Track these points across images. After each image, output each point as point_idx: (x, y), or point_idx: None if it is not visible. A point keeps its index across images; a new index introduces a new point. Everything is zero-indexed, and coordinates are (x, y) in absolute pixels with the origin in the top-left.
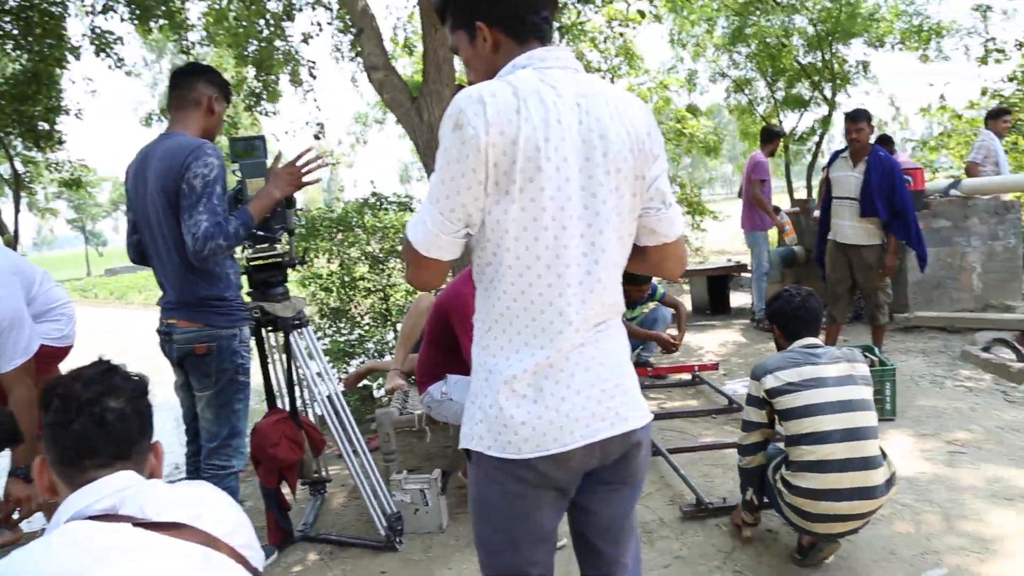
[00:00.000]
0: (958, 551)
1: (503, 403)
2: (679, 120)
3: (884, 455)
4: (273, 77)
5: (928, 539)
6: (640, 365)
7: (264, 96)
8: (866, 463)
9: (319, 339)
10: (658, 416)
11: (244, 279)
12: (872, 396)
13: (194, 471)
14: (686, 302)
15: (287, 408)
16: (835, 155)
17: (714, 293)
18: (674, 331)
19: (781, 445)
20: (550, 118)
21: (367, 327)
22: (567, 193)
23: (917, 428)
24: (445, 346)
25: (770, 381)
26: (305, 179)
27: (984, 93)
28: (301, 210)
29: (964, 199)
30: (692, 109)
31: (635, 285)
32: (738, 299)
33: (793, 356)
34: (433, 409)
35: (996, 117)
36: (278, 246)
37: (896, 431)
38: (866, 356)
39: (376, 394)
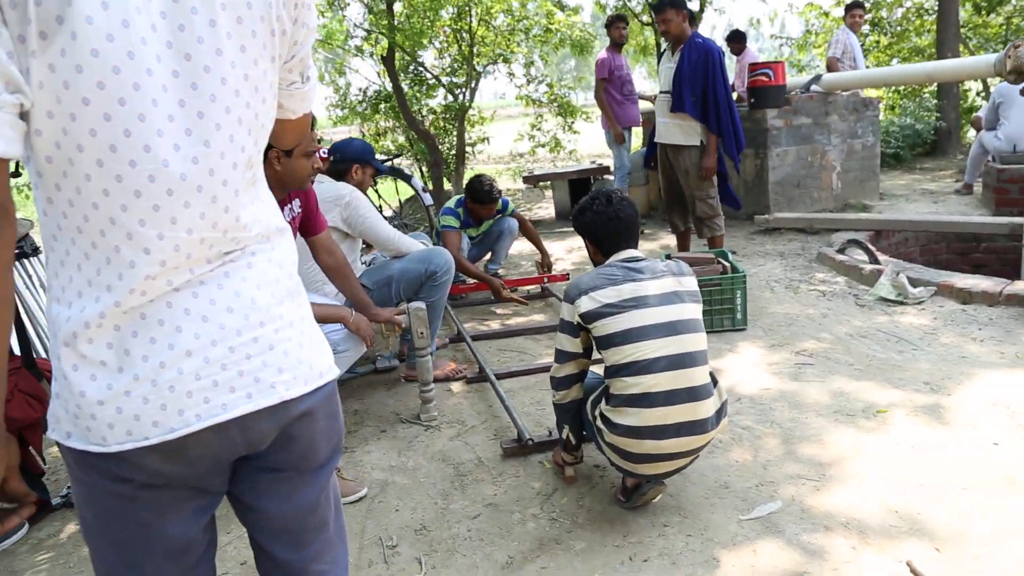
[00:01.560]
0: (795, 480)
1: (69, 372)
2: (548, 16)
3: (715, 381)
4: None
5: (765, 467)
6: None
7: None
8: (694, 393)
9: None
10: (498, 335)
11: None
12: (700, 314)
13: None
14: (548, 208)
15: (20, 354)
16: (664, 47)
17: (576, 198)
18: (525, 261)
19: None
20: None
21: None
22: (128, 47)
23: (767, 338)
24: None
25: (585, 303)
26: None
27: None
28: None
29: (824, 95)
30: (560, 4)
31: (482, 204)
32: None
33: (611, 272)
34: None
35: (849, 11)
36: None
37: (745, 342)
38: (718, 262)
39: None
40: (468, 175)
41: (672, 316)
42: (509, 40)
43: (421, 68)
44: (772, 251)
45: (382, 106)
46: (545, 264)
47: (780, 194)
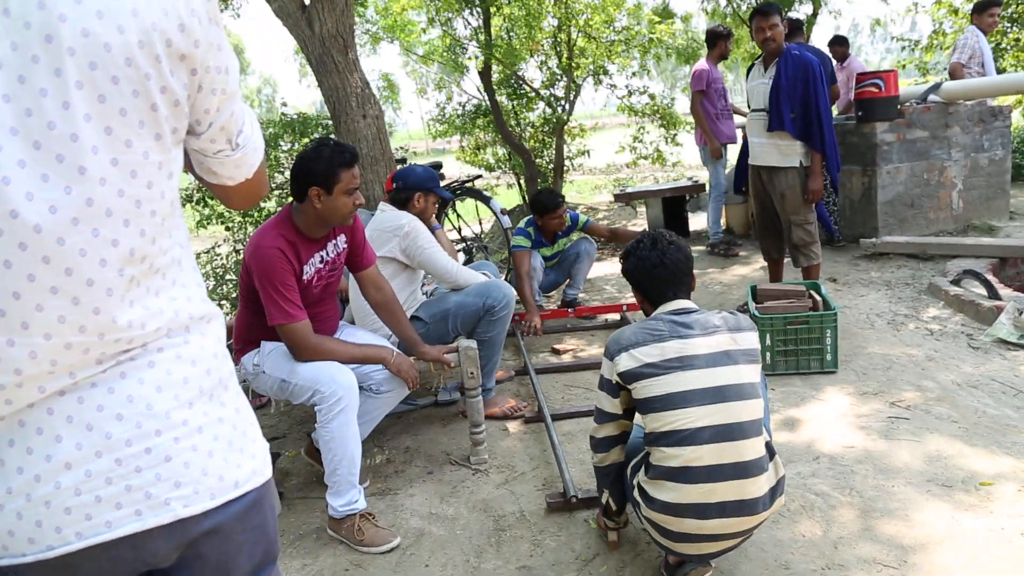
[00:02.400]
0: (869, 566)
1: None
2: (650, 25)
3: (772, 454)
4: None
5: (836, 546)
6: (566, 305)
7: None
8: (742, 469)
9: None
10: (567, 368)
11: None
12: (758, 376)
13: None
14: (641, 226)
15: None
16: (752, 62)
17: (670, 216)
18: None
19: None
20: None
21: None
22: None
23: (860, 384)
24: (257, 307)
25: (624, 361)
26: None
27: None
28: None
29: (945, 105)
30: (665, 12)
31: (548, 214)
32: (700, 222)
33: (656, 327)
34: (251, 382)
35: (981, 11)
36: None
37: (833, 388)
38: (808, 296)
39: None
40: (565, 188)
41: (721, 380)
42: (610, 51)
43: (520, 82)
44: (877, 280)
45: (480, 120)
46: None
47: (890, 215)
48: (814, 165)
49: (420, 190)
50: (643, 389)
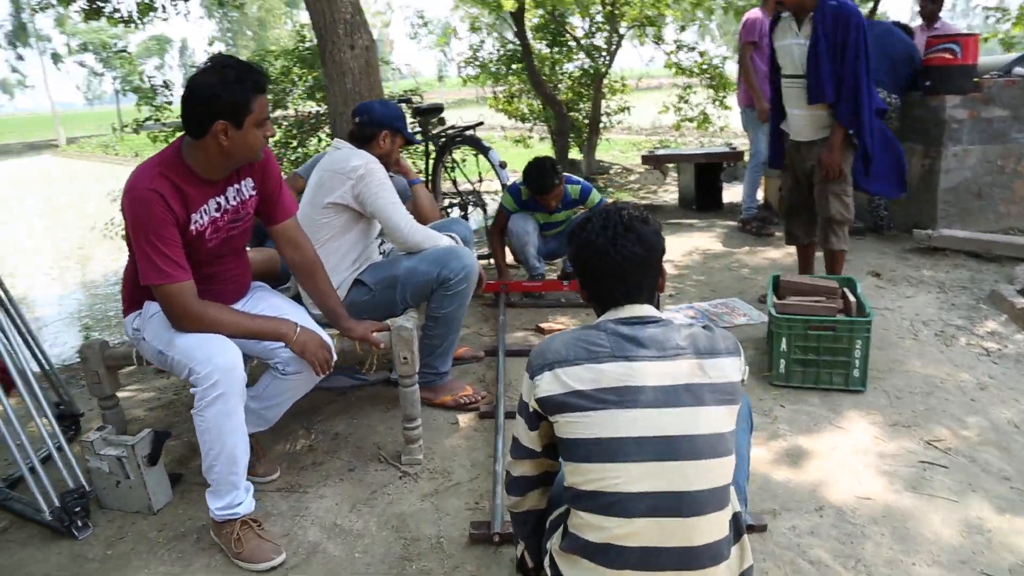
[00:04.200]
0: None
1: None
2: None
3: (739, 533)
4: None
5: None
6: (565, 276)
7: None
8: (690, 558)
9: None
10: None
11: None
12: (733, 422)
13: None
14: (671, 194)
15: None
16: (777, 14)
17: (703, 185)
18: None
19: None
20: None
21: None
22: None
23: (890, 410)
24: None
25: (546, 383)
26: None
27: None
28: None
29: None
30: None
31: (541, 196)
32: (736, 194)
33: (594, 341)
34: (136, 345)
35: None
36: None
37: (856, 412)
38: (841, 295)
39: None
40: (603, 147)
41: (674, 427)
42: (659, 1)
43: (561, 28)
44: (929, 280)
45: (516, 67)
46: None
47: (952, 204)
48: (834, 138)
49: (388, 128)
50: (566, 426)
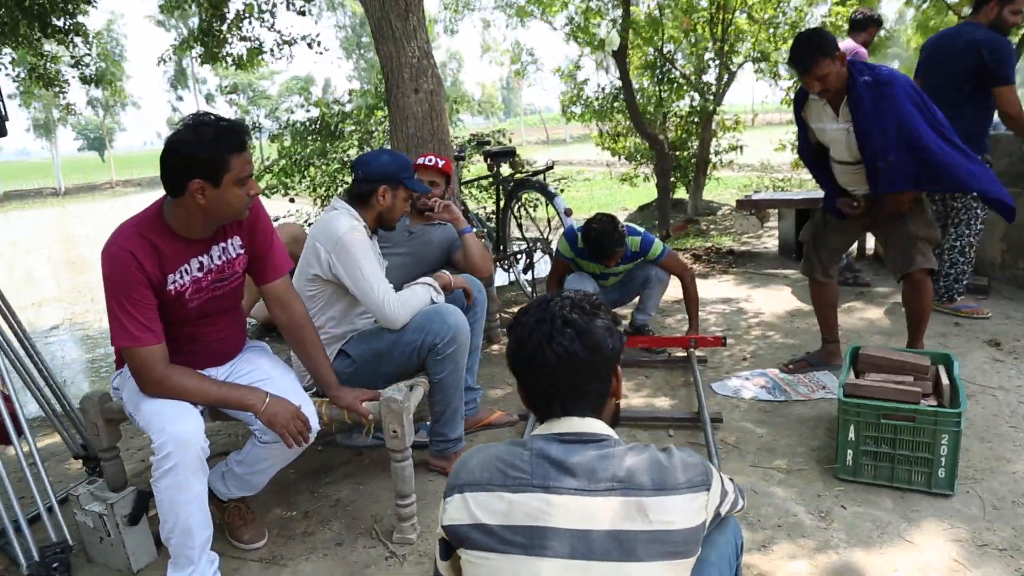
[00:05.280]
0: None
1: None
2: (832, 8)
3: None
4: None
5: None
6: (635, 331)
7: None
8: None
9: None
10: None
11: None
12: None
13: None
14: (769, 241)
15: None
16: (802, 90)
17: None
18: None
19: None
20: None
21: None
22: None
23: (979, 527)
24: None
25: (454, 508)
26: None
27: None
28: None
29: None
30: None
31: (598, 258)
32: None
33: (518, 460)
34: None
35: None
36: None
37: (938, 523)
38: (935, 377)
39: None
40: (711, 187)
41: None
42: (774, 36)
43: (669, 65)
44: None
45: (619, 105)
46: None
47: None
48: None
49: (385, 182)
50: (467, 566)
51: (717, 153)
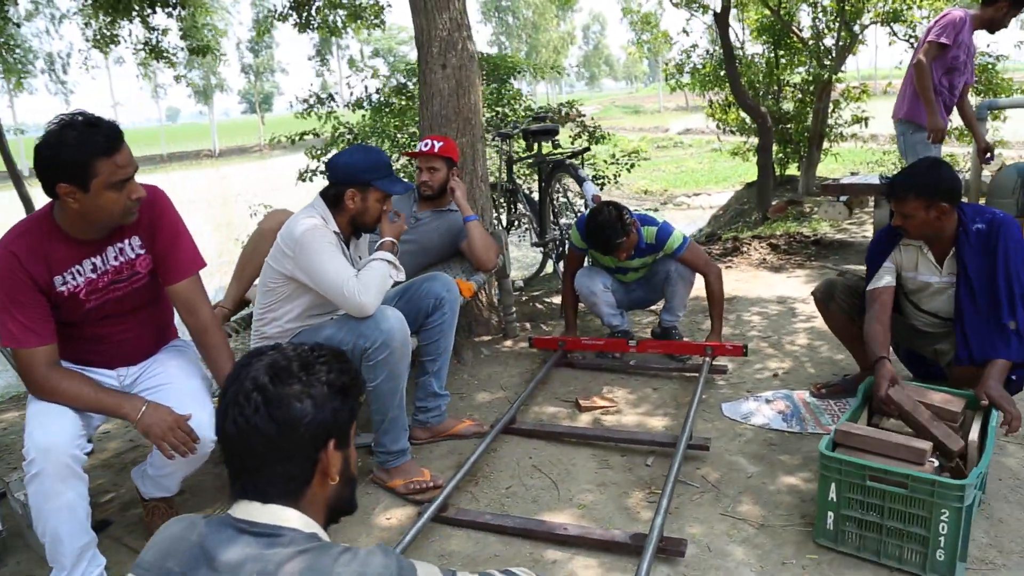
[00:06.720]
0: None
1: None
2: None
3: None
4: None
5: None
6: (663, 333)
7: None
8: None
9: None
10: (565, 437)
11: None
12: None
13: None
14: (863, 230)
15: None
16: (890, 227)
17: None
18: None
19: None
20: None
21: None
22: None
23: None
24: None
25: None
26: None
27: None
28: None
29: None
30: None
31: (611, 252)
32: None
33: (182, 545)
34: None
35: None
36: None
37: None
38: (962, 427)
39: None
40: (827, 162)
41: None
42: None
43: (787, 29)
44: None
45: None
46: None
47: None
48: (992, 370)
49: (352, 185)
50: None
51: (837, 126)
